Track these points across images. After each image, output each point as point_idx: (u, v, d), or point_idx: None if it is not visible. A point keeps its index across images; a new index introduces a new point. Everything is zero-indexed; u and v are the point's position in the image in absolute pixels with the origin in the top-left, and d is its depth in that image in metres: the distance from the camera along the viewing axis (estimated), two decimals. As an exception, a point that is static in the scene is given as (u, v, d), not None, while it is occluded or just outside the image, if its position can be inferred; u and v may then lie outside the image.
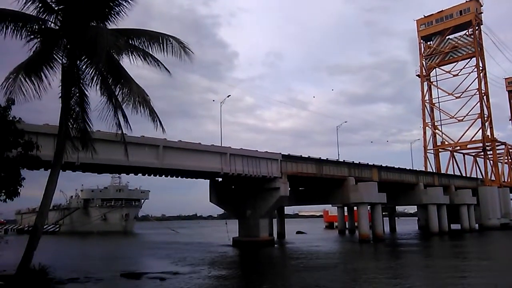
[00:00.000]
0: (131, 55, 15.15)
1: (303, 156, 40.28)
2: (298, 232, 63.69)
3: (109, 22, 15.05)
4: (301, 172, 39.51)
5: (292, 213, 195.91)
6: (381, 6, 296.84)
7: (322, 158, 41.93)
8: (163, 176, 33.70)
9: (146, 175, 32.57)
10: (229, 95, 41.56)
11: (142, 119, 14.81)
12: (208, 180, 39.63)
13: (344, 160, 45.11)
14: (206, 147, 31.68)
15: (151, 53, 15.44)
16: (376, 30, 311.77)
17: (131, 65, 15.14)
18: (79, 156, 16.66)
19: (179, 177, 35.66)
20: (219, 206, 42.13)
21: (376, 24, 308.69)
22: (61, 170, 16.12)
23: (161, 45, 15.17)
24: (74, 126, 15.59)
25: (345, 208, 68.71)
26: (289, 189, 39.97)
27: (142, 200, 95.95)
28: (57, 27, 14.73)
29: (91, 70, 14.85)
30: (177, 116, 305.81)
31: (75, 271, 20.33)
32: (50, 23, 14.62)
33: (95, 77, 14.82)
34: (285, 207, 56.86)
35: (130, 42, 15.38)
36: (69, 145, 15.56)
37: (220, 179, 39.07)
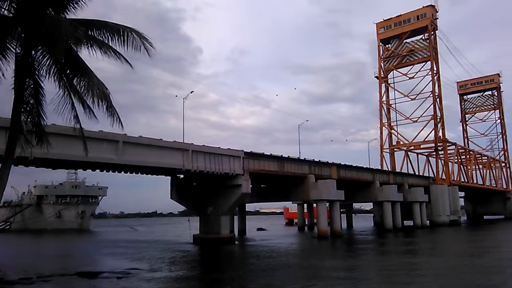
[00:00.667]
0: (91, 47, 14.65)
1: (265, 153, 40.68)
2: (259, 229, 64.25)
3: (68, 11, 14.48)
4: (263, 170, 39.87)
5: (254, 210, 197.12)
6: (343, 8, 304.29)
7: (284, 156, 42.54)
8: (123, 172, 32.85)
9: (105, 171, 31.64)
10: (193, 91, 41.19)
11: (101, 113, 14.41)
12: (169, 177, 39.11)
13: (305, 158, 46.01)
14: (167, 143, 31.23)
15: (111, 45, 15.00)
16: (339, 31, 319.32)
17: (91, 57, 14.67)
18: (33, 151, 15.95)
19: (139, 174, 34.91)
20: (180, 203, 41.69)
21: (339, 26, 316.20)
22: (13, 165, 15.36)
23: (122, 37, 14.76)
24: (28, 119, 14.89)
25: (305, 205, 70.11)
26: (251, 186, 40.26)
27: (100, 197, 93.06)
28: (11, 15, 13.99)
29: (48, 61, 14.23)
30: (138, 111, 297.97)
31: (27, 271, 19.47)
32: (3, 10, 13.86)
33: (52, 69, 14.22)
34: (246, 204, 57.18)
35: (90, 33, 14.87)
36: (22, 139, 14.85)
37: (181, 176, 38.68)
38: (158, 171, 34.98)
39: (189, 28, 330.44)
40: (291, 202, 72.20)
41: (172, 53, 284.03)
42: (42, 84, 14.82)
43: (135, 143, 28.88)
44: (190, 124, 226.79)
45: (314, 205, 58.09)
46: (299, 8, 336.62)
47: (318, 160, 47.17)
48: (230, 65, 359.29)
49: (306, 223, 69.83)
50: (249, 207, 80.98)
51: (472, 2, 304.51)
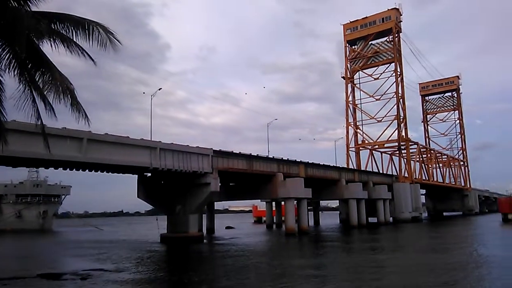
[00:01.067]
0: (53, 41, 14.15)
1: (234, 152, 40.71)
2: (227, 227, 64.25)
3: (30, 3, 13.91)
4: (232, 168, 39.89)
5: (222, 208, 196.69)
6: (310, 8, 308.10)
7: (252, 154, 42.75)
8: (87, 170, 31.98)
9: (68, 169, 30.64)
10: (161, 88, 40.65)
11: (64, 109, 13.95)
12: (136, 175, 38.37)
13: (273, 157, 46.39)
14: (134, 141, 30.64)
15: (75, 40, 14.54)
16: (306, 31, 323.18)
17: (53, 51, 14.17)
18: (-9, 148, 15.21)
19: (105, 172, 34.06)
20: (148, 202, 41.00)
21: (306, 26, 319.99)
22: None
23: (87, 32, 14.33)
24: (-14, 115, 14.18)
25: (273, 203, 70.71)
26: (220, 184, 40.19)
27: (63, 196, 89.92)
28: (-33, 5, 13.29)
29: (8, 55, 13.63)
30: (104, 108, 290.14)
31: (-16, 273, 18.60)
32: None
33: (12, 63, 13.63)
34: (215, 203, 57.02)
35: (53, 26, 14.35)
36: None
37: (149, 174, 38.05)
38: (125, 169, 34.27)
39: (157, 24, 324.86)
40: (259, 200, 72.72)
41: (139, 49, 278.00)
42: (1, 79, 14.18)
43: (101, 141, 28.15)
44: (158, 122, 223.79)
45: (283, 203, 58.76)
46: (267, 7, 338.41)
47: (286, 159, 47.69)
48: (199, 63, 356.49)
49: (275, 221, 70.47)
50: (218, 205, 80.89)
51: (434, 7, 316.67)
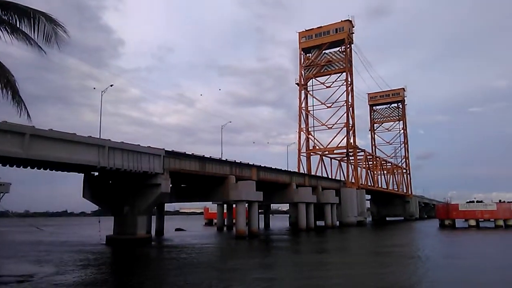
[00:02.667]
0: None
1: (187, 153, 40.31)
2: (177, 229, 63.24)
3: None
4: (184, 169, 39.46)
5: (173, 210, 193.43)
6: (269, 14, 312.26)
7: (205, 156, 42.55)
8: (29, 167, 30.23)
9: (8, 165, 28.79)
10: (112, 85, 39.33)
11: (5, 102, 13.27)
12: (82, 174, 36.84)
13: (226, 159, 46.47)
14: (82, 138, 29.41)
15: (21, 28, 13.91)
16: (265, 36, 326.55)
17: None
18: None
19: (49, 170, 32.40)
20: (93, 203, 39.41)
21: (264, 31, 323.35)
22: None
23: (32, 21, 13.74)
24: None
25: (225, 206, 70.65)
26: (171, 185, 39.60)
27: (1, 194, 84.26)
28: None
29: None
30: (50, 102, 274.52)
31: None
32: None
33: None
34: (166, 204, 56.00)
35: (-3, 14, 13.64)
36: None
37: (96, 173, 36.69)
38: (70, 167, 32.78)
39: (111, 18, 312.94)
40: (211, 202, 72.38)
41: (91, 43, 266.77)
42: None
43: (45, 137, 26.77)
44: (108, 119, 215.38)
45: (234, 205, 58.90)
46: (227, 10, 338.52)
47: (239, 162, 47.95)
48: (154, 61, 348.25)
49: (225, 223, 70.41)
50: (169, 207, 79.74)
51: (385, 21, 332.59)
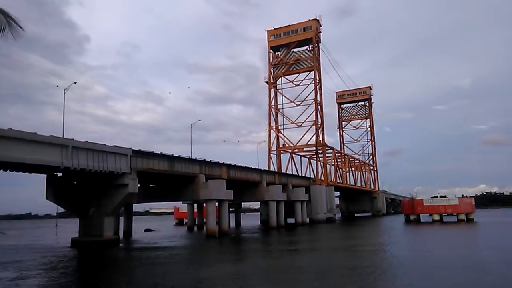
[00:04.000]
0: None
1: (155, 152, 39.60)
2: (146, 230, 62.13)
3: None
4: (152, 169, 38.75)
5: (143, 210, 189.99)
6: (238, 11, 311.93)
7: (174, 155, 41.96)
8: (-14, 169, 28.78)
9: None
10: (76, 82, 38.06)
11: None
12: (45, 175, 35.44)
13: (196, 158, 46.03)
14: (44, 137, 28.27)
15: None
16: (234, 34, 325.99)
17: None
18: None
19: (9, 171, 30.94)
20: (58, 204, 38.11)
21: (234, 29, 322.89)
22: None
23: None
24: None
25: (195, 205, 70.08)
26: (139, 185, 38.79)
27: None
28: None
29: None
30: (9, 100, 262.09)
31: None
32: None
33: None
34: (134, 204, 54.87)
35: None
36: None
37: (59, 174, 35.42)
38: (32, 168, 31.46)
39: (75, 13, 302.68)
40: (181, 202, 71.64)
41: (54, 39, 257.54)
42: None
43: (4, 136, 25.54)
44: (73, 118, 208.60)
45: (204, 204, 58.47)
46: (195, 7, 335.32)
47: (209, 160, 47.62)
48: (121, 58, 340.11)
49: (196, 222, 69.82)
50: (138, 207, 78.08)
51: (351, 21, 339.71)
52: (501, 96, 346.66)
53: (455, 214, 66.41)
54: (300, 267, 20.27)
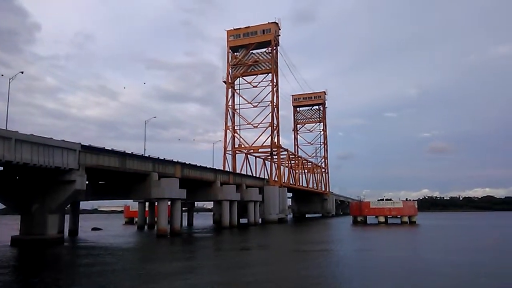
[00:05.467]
0: None
1: (106, 148, 38.31)
2: (94, 229, 59.85)
3: None
4: (102, 165, 37.46)
5: (91, 208, 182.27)
6: (198, 8, 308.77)
7: (126, 151, 40.83)
8: None
9: None
10: (22, 72, 35.86)
11: None
12: (-17, 169, 33.22)
13: (149, 156, 45.05)
14: (-17, 129, 26.51)
15: None
16: (193, 31, 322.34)
17: None
18: None
19: None
20: (-3, 200, 35.79)
21: (194, 26, 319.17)
22: None
23: None
24: None
25: (147, 204, 68.50)
26: (88, 182, 37.36)
27: None
28: None
29: None
30: None
31: None
32: None
33: None
34: (82, 202, 52.72)
35: None
36: None
37: (1, 168, 33.32)
38: (-32, 161, 29.35)
39: (26, 0, 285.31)
40: (132, 200, 69.77)
41: (2, 25, 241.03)
42: None
43: None
44: (20, 110, 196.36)
45: (156, 203, 57.29)
46: (155, 2, 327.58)
47: (163, 158, 46.76)
48: (73, 49, 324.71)
49: (147, 222, 68.25)
50: (86, 205, 74.88)
51: (309, 27, 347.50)
52: (445, 107, 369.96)
53: (399, 216, 69.87)
54: (249, 264, 20.53)
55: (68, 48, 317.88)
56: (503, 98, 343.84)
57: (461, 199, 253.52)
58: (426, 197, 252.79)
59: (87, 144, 35.72)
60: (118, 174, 41.99)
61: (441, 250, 28.08)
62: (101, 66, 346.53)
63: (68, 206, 44.50)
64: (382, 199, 76.37)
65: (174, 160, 48.99)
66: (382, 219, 69.17)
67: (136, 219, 78.10)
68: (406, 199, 79.93)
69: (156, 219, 56.77)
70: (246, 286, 15.01)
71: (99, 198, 50.83)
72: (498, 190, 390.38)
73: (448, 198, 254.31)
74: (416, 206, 72.08)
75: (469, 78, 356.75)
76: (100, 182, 47.81)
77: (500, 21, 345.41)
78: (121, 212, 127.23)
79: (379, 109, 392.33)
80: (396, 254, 25.54)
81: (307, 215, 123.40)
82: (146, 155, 45.04)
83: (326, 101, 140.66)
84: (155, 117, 60.62)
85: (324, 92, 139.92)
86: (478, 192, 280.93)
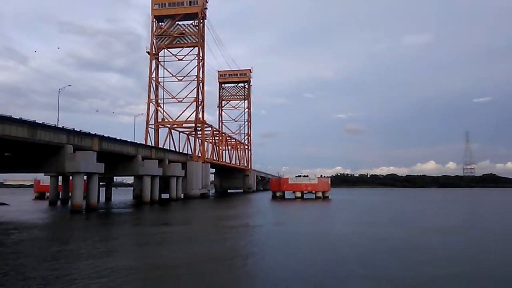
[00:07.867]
0: None
1: (13, 117, 35.20)
2: (-2, 204, 55.07)
3: None
4: (9, 135, 34.49)
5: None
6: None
7: (37, 121, 37.93)
8: None
9: None
10: None
11: None
12: None
13: (63, 127, 42.36)
14: None
15: None
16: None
17: None
18: None
19: None
20: None
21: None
22: None
23: None
24: None
25: (60, 178, 64.54)
26: (-9, 154, 34.23)
27: None
28: None
29: None
30: None
31: None
32: None
33: None
34: (-18, 175, 48.17)
35: None
36: None
37: None
38: None
39: None
40: (43, 174, 65.22)
41: None
42: None
43: None
44: None
45: (71, 177, 54.26)
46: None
47: (78, 130, 44.23)
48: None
49: (60, 197, 64.43)
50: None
51: (239, 4, 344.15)
52: (359, 91, 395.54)
53: (314, 192, 74.64)
54: (168, 239, 20.94)
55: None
56: (412, 85, 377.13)
57: (369, 176, 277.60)
58: (339, 174, 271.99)
59: (-10, 112, 32.52)
60: (27, 146, 39.03)
61: (352, 224, 31.04)
62: (8, 26, 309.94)
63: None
64: (300, 176, 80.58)
65: (91, 133, 46.64)
66: (298, 194, 73.32)
67: (47, 194, 73.32)
68: (321, 175, 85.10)
69: (70, 194, 53.98)
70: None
71: (5, 171, 46.85)
72: (401, 169, 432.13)
73: (358, 175, 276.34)
74: (330, 183, 77.48)
75: (382, 65, 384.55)
76: (6, 154, 44.00)
77: (414, 12, 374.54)
78: (30, 186, 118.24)
79: (299, 89, 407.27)
80: (306, 228, 27.69)
81: (229, 191, 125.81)
82: (60, 126, 42.26)
83: (251, 79, 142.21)
84: (70, 85, 56.68)
85: (250, 70, 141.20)
86: (383, 170, 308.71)
